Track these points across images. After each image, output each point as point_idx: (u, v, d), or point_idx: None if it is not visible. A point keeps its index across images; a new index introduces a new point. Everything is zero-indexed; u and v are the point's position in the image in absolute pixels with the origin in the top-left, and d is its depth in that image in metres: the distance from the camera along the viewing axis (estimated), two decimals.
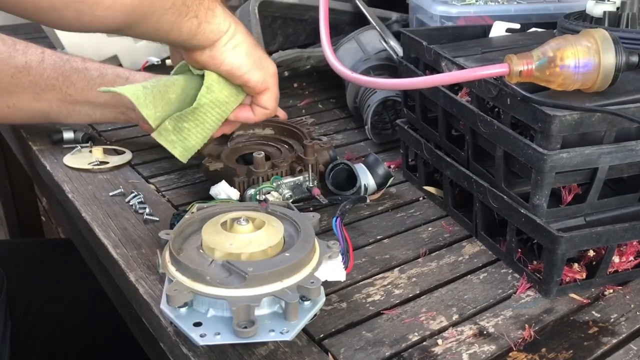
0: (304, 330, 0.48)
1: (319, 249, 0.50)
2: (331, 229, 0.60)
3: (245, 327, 0.42)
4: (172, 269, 0.46)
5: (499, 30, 0.71)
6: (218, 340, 0.43)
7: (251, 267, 0.45)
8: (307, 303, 0.46)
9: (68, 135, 0.79)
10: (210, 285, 0.44)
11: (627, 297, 0.54)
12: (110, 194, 0.68)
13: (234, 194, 0.62)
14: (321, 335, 0.48)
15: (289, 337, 0.44)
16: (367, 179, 0.67)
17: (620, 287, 0.55)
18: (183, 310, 0.45)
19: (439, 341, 0.48)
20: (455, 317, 0.51)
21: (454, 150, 0.64)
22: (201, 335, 0.43)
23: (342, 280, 0.51)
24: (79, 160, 0.74)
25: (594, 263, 0.55)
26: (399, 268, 0.57)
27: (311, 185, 0.66)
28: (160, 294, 0.52)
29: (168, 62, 1.04)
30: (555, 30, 0.68)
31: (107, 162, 0.74)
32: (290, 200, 0.64)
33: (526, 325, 0.50)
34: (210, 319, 0.44)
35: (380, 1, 1.04)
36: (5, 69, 0.70)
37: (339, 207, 0.60)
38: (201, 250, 0.48)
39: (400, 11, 1.01)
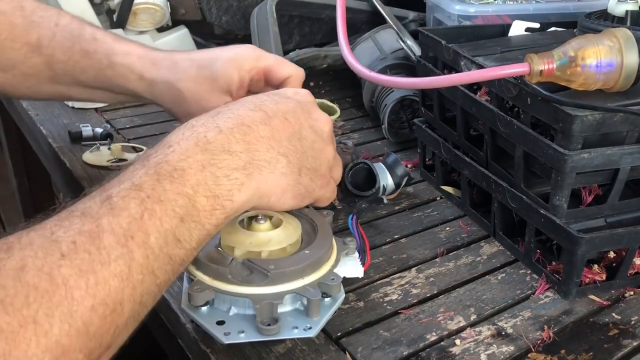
0: (321, 328, 0.48)
1: (336, 246, 0.51)
2: (346, 228, 0.60)
3: (269, 325, 0.43)
4: (192, 267, 0.47)
5: (518, 29, 0.71)
6: (242, 338, 0.43)
7: (272, 265, 0.45)
8: (327, 300, 0.47)
9: (87, 132, 0.80)
10: (231, 283, 0.44)
11: None
12: None
13: None
14: (338, 334, 0.48)
15: (312, 333, 0.44)
16: (386, 180, 0.67)
17: None
18: (204, 309, 0.45)
19: (457, 341, 0.48)
20: (473, 317, 0.51)
21: (472, 150, 0.64)
22: (225, 334, 0.43)
23: (360, 277, 0.51)
24: (97, 158, 0.75)
25: (614, 264, 0.54)
26: (416, 268, 0.57)
27: None
28: (178, 291, 0.52)
29: None
30: (575, 30, 0.67)
31: (126, 160, 0.74)
32: None
33: (545, 326, 0.50)
34: (233, 317, 0.44)
35: (397, 0, 1.04)
36: (17, 47, 0.63)
37: (354, 207, 0.60)
38: (220, 249, 0.48)
39: (417, 10, 1.00)
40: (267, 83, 0.61)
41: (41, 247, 0.33)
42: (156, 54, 0.63)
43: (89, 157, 0.75)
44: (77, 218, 0.36)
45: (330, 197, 0.53)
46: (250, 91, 0.61)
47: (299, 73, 0.60)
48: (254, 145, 0.44)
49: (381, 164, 0.68)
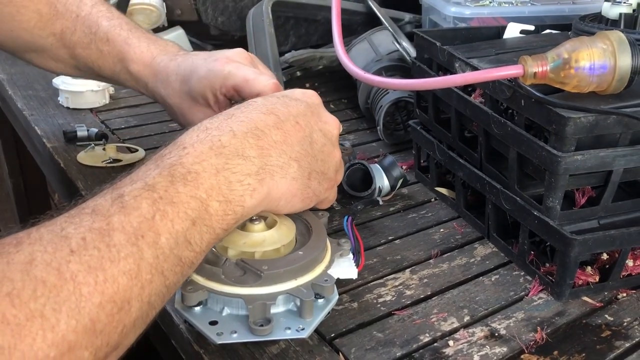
0: (315, 329, 0.48)
1: (330, 248, 0.51)
2: (341, 229, 0.60)
3: (262, 325, 0.43)
4: None
5: (513, 31, 0.71)
6: (235, 338, 0.43)
7: (266, 266, 0.45)
8: (320, 301, 0.47)
9: (82, 133, 0.79)
10: (225, 283, 0.44)
11: None
12: None
13: None
14: (332, 335, 0.48)
15: (305, 334, 0.44)
16: (382, 181, 0.67)
17: (634, 291, 0.55)
18: (197, 309, 0.45)
19: (450, 342, 0.48)
20: (466, 318, 0.51)
21: (466, 152, 0.64)
22: (218, 334, 0.43)
23: (354, 278, 0.51)
24: (92, 158, 0.75)
25: (607, 266, 0.54)
26: (410, 269, 0.57)
27: None
28: None
29: None
30: (569, 32, 0.68)
31: (120, 160, 0.74)
32: None
33: (538, 327, 0.50)
34: (225, 318, 0.44)
35: (392, 2, 1.04)
36: (45, 35, 0.65)
37: (350, 208, 0.60)
38: (214, 249, 0.48)
39: (413, 12, 1.01)
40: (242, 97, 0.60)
41: (50, 242, 0.33)
42: (158, 63, 0.63)
43: (84, 157, 0.75)
44: (87, 215, 0.36)
45: (333, 199, 0.53)
46: (232, 101, 0.62)
47: (268, 89, 0.58)
48: (267, 150, 0.44)
49: (377, 165, 0.68)
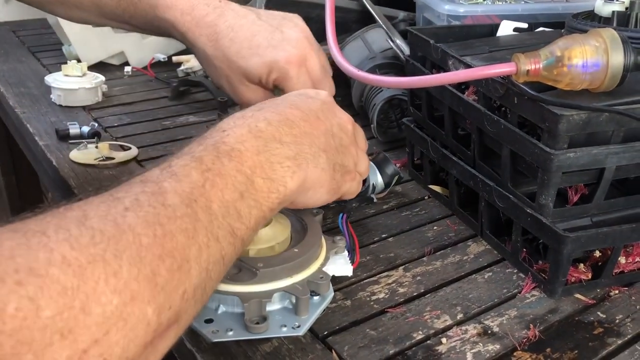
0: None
1: (325, 245, 0.51)
2: (335, 227, 0.60)
3: (257, 323, 0.43)
4: None
5: (506, 29, 0.71)
6: (230, 336, 0.43)
7: (261, 263, 0.45)
8: (316, 298, 0.47)
9: (74, 131, 0.79)
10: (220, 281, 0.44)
11: (633, 298, 0.54)
12: None
13: None
14: (325, 333, 0.48)
15: (301, 332, 0.44)
16: (376, 178, 0.67)
17: (626, 288, 0.55)
18: None
19: (443, 340, 0.48)
20: (459, 316, 0.51)
21: (460, 149, 0.64)
22: (213, 332, 0.43)
23: (349, 276, 0.51)
24: (85, 156, 0.74)
25: (600, 264, 0.55)
26: (403, 266, 0.57)
27: None
28: None
29: (175, 59, 1.05)
30: (563, 30, 0.68)
31: (113, 158, 0.74)
32: None
33: (531, 325, 0.50)
34: (221, 316, 0.44)
35: None
36: None
37: (345, 206, 0.60)
38: None
39: (407, 10, 1.01)
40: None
41: (102, 203, 0.33)
42: (200, 10, 0.61)
43: (77, 155, 0.75)
44: (136, 184, 0.35)
45: (356, 191, 0.54)
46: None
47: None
48: (300, 139, 0.46)
49: (371, 163, 0.68)
